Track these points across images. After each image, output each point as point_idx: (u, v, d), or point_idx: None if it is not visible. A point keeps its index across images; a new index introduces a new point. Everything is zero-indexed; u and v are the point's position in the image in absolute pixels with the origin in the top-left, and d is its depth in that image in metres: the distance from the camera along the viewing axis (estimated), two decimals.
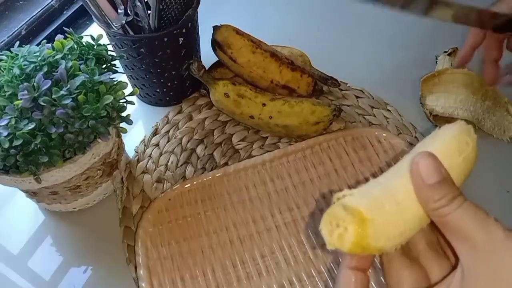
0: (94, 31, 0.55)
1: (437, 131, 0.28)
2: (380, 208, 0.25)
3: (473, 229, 0.23)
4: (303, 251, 0.46)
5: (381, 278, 0.43)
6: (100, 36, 0.46)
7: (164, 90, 0.59)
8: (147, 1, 0.52)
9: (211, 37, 0.56)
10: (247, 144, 0.57)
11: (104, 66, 0.45)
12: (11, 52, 0.44)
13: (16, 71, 0.41)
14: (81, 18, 0.74)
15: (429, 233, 0.29)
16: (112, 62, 0.46)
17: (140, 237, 0.47)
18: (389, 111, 0.60)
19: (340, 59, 0.66)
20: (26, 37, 0.67)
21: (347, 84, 0.63)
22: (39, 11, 0.68)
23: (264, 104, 0.54)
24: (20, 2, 0.70)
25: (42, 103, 0.38)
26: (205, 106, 0.61)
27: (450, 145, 0.27)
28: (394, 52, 0.68)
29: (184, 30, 0.53)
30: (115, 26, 0.52)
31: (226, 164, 0.55)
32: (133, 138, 0.58)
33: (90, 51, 0.44)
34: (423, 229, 0.27)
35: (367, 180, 0.50)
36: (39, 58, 0.42)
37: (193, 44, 0.57)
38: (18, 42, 0.46)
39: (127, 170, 0.54)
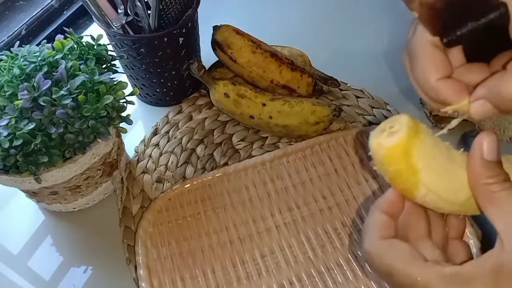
0: (94, 31, 0.55)
1: None
2: (434, 155, 0.26)
3: None
4: (303, 251, 0.46)
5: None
6: (100, 36, 0.46)
7: (164, 90, 0.59)
8: (147, 1, 0.52)
9: (211, 37, 0.56)
10: (247, 144, 0.57)
11: (104, 66, 0.45)
12: (11, 52, 0.44)
13: (16, 71, 0.41)
14: (81, 18, 0.74)
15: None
16: (112, 62, 0.46)
17: (140, 237, 0.47)
18: (389, 111, 0.60)
19: (340, 59, 0.66)
20: (26, 37, 0.67)
21: (347, 84, 0.63)
22: (39, 11, 0.68)
23: (264, 104, 0.54)
24: (20, 2, 0.70)
25: (42, 103, 0.38)
26: (205, 106, 0.61)
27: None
28: (394, 52, 0.67)
29: (184, 30, 0.53)
30: (115, 26, 0.52)
31: (226, 164, 0.55)
32: (133, 138, 0.58)
33: (90, 51, 0.44)
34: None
35: (367, 180, 0.51)
36: (39, 58, 0.42)
37: (193, 44, 0.57)
38: (18, 42, 0.46)
39: (127, 170, 0.54)
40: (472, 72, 0.28)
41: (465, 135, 0.53)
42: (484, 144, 0.26)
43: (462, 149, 0.28)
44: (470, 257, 0.29)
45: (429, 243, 0.28)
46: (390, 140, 0.26)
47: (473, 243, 0.44)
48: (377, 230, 0.28)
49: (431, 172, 0.26)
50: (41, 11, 0.69)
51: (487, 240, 0.45)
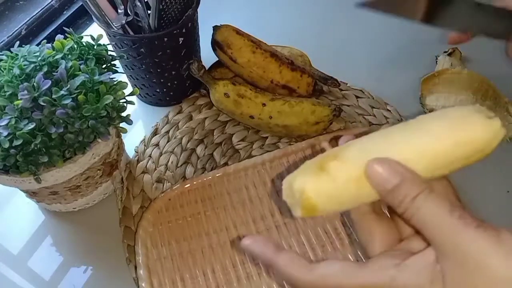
0: (94, 31, 0.55)
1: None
2: (337, 178, 0.25)
3: (437, 232, 0.23)
4: (303, 251, 0.46)
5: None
6: (100, 36, 0.46)
7: (164, 90, 0.59)
8: (147, 1, 0.52)
9: (211, 37, 0.56)
10: (247, 144, 0.57)
11: (104, 66, 0.45)
12: (11, 52, 0.44)
13: (16, 71, 0.41)
14: (81, 18, 0.74)
15: None
16: (112, 62, 0.46)
17: (140, 237, 0.47)
18: (389, 111, 0.60)
19: (340, 59, 0.66)
20: (26, 37, 0.67)
21: (347, 84, 0.63)
22: (39, 11, 0.68)
23: (264, 104, 0.54)
24: (20, 2, 0.70)
25: (42, 103, 0.38)
26: (205, 106, 0.61)
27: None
28: (394, 52, 0.68)
29: (184, 30, 0.53)
30: (115, 26, 0.52)
31: (226, 164, 0.55)
32: (133, 138, 0.58)
33: (90, 51, 0.44)
34: None
35: None
36: (39, 58, 0.42)
37: (193, 44, 0.57)
38: (18, 42, 0.46)
39: (127, 170, 0.54)
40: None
41: None
42: (376, 177, 0.24)
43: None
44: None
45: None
46: (294, 211, 0.26)
47: None
48: (297, 266, 0.26)
49: (343, 203, 0.26)
50: (41, 11, 0.69)
51: None
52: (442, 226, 0.22)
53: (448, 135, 0.24)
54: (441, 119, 0.25)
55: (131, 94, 0.44)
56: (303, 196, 0.25)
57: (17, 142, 0.37)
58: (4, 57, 0.43)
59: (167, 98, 0.61)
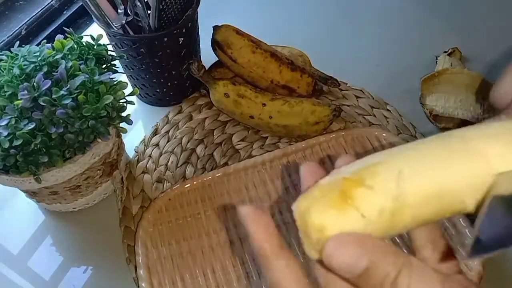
0: (94, 31, 0.55)
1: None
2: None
3: None
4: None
5: None
6: (100, 36, 0.46)
7: (164, 90, 0.59)
8: (147, 1, 0.52)
9: (211, 37, 0.56)
10: (247, 144, 0.57)
11: (104, 66, 0.45)
12: (11, 52, 0.44)
13: (16, 71, 0.41)
14: (81, 18, 0.74)
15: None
16: (112, 62, 0.46)
17: (140, 237, 0.47)
18: (389, 111, 0.60)
19: (340, 59, 0.66)
20: (26, 37, 0.67)
21: (347, 84, 0.63)
22: (39, 11, 0.68)
23: (264, 104, 0.54)
24: (20, 2, 0.70)
25: (42, 103, 0.38)
26: (205, 106, 0.61)
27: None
28: (394, 52, 0.68)
29: (184, 30, 0.53)
30: (115, 26, 0.52)
31: (226, 164, 0.55)
32: (133, 138, 0.58)
33: (90, 51, 0.44)
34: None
35: None
36: (39, 58, 0.42)
37: (193, 44, 0.57)
38: (18, 42, 0.46)
39: (127, 170, 0.54)
40: None
41: None
42: (338, 266, 0.19)
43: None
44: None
45: None
46: (309, 251, 0.22)
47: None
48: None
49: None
50: (41, 11, 0.69)
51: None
52: None
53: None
54: (492, 137, 0.20)
55: (131, 94, 0.44)
56: (323, 238, 0.20)
57: (17, 142, 0.37)
58: (4, 57, 0.43)
59: (167, 98, 0.61)
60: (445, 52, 0.63)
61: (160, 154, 0.56)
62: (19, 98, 0.39)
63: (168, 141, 0.57)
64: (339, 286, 0.21)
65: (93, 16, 0.52)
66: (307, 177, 0.24)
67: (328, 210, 0.20)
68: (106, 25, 0.52)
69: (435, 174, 0.19)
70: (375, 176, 0.20)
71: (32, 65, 0.41)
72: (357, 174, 0.20)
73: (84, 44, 0.45)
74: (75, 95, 0.39)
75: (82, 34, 0.45)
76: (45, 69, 0.41)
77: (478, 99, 0.56)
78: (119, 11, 0.52)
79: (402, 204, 0.19)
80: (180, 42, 0.54)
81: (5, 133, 0.38)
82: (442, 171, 0.19)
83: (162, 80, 0.57)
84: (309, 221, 0.21)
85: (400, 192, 0.19)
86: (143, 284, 0.44)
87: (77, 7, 0.73)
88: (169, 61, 0.55)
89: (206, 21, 0.58)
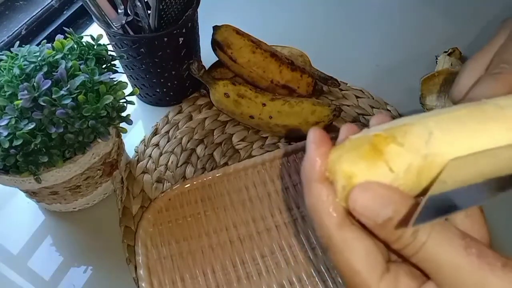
0: (94, 31, 0.55)
1: None
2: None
3: (451, 275, 0.18)
4: (303, 251, 0.46)
5: None
6: (100, 36, 0.46)
7: (164, 90, 0.59)
8: (147, 1, 0.52)
9: (211, 37, 0.56)
10: (247, 144, 0.57)
11: (104, 66, 0.45)
12: (11, 52, 0.44)
13: (16, 71, 0.41)
14: (81, 18, 0.74)
15: None
16: (112, 62, 0.46)
17: (140, 237, 0.47)
18: (389, 111, 0.60)
19: (340, 59, 0.66)
20: (26, 37, 0.67)
21: (347, 84, 0.63)
22: (39, 11, 0.68)
23: (264, 104, 0.54)
24: (20, 2, 0.70)
25: (42, 103, 0.38)
26: (205, 106, 0.61)
27: None
28: (394, 52, 0.68)
29: (184, 30, 0.53)
30: (115, 26, 0.52)
31: (226, 164, 0.55)
32: (133, 138, 0.58)
33: (90, 51, 0.44)
34: None
35: None
36: (39, 58, 0.42)
37: (193, 44, 0.57)
38: (18, 42, 0.46)
39: (127, 170, 0.54)
40: None
41: None
42: (362, 209, 0.19)
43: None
44: None
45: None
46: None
47: None
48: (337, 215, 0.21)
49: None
50: (41, 11, 0.69)
51: None
52: (457, 268, 0.18)
53: None
54: None
55: (131, 94, 0.44)
56: (350, 185, 0.20)
57: (17, 142, 0.37)
58: (4, 57, 0.43)
59: (167, 98, 0.61)
60: (445, 52, 0.63)
61: (160, 154, 0.56)
62: (19, 98, 0.39)
63: (168, 141, 0.57)
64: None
65: (93, 16, 0.52)
66: (343, 133, 0.24)
67: (358, 160, 0.20)
68: (106, 25, 0.52)
69: (467, 136, 0.20)
70: (406, 134, 0.20)
71: (32, 65, 0.41)
72: (389, 132, 0.21)
73: (84, 44, 0.45)
74: (75, 95, 0.40)
75: (82, 34, 0.45)
76: (45, 69, 0.41)
77: None
78: (119, 11, 0.52)
79: (430, 163, 0.20)
80: (180, 42, 0.54)
81: (5, 133, 0.38)
82: (475, 133, 0.20)
83: (162, 80, 0.57)
84: (339, 168, 0.21)
85: (429, 152, 0.19)
86: (143, 284, 0.44)
87: (77, 7, 0.73)
88: (169, 61, 0.55)
89: (206, 21, 0.58)
